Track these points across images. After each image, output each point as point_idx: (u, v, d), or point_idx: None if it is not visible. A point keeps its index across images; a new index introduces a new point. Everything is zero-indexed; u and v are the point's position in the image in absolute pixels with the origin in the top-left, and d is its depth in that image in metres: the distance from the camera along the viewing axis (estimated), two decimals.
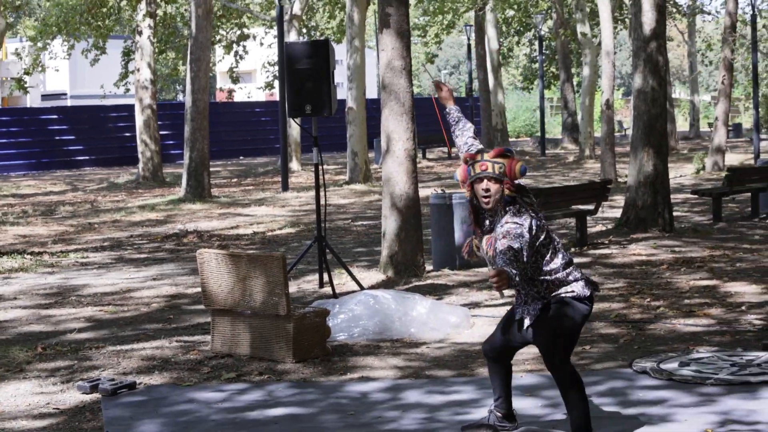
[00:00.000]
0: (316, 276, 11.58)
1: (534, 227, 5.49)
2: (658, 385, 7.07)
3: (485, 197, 5.57)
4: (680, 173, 27.57)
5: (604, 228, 15.79)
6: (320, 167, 11.33)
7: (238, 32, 38.01)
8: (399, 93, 11.76)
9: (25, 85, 32.75)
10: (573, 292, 5.64)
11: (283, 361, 8.03)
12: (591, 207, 14.59)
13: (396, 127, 11.77)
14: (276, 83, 38.07)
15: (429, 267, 12.39)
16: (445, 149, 41.01)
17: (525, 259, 5.33)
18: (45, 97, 58.23)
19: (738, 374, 7.21)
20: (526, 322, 5.71)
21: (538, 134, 44.47)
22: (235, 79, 39.24)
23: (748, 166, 24.23)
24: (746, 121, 60.10)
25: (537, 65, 46.35)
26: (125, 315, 10.27)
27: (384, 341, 8.71)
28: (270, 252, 12.29)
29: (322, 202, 11.26)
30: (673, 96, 52.21)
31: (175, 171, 31.57)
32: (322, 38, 27.93)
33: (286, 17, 30.15)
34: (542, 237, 5.56)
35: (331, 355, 8.25)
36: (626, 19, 40.11)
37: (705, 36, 45.76)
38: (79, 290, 11.78)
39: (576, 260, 10.94)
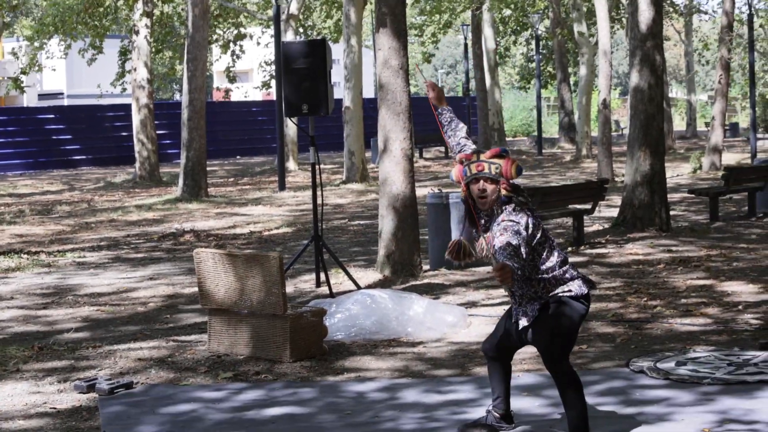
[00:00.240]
0: (313, 275, 11.57)
1: (530, 225, 5.51)
2: (655, 385, 7.07)
3: (482, 198, 5.58)
4: (677, 173, 27.58)
5: (601, 227, 15.80)
6: (317, 167, 11.33)
7: (235, 32, 38.00)
8: (396, 92, 11.75)
9: (22, 85, 32.71)
10: (571, 291, 5.64)
11: (280, 361, 8.03)
12: (588, 206, 14.59)
13: (393, 127, 11.77)
14: (273, 83, 38.09)
15: (426, 266, 12.40)
16: (443, 149, 41.03)
17: (524, 256, 5.34)
18: (42, 96, 58.15)
19: (735, 374, 7.22)
20: (524, 323, 5.72)
21: (535, 134, 44.48)
22: (232, 79, 39.24)
23: (745, 166, 24.24)
24: (743, 120, 60.18)
25: (534, 65, 46.36)
26: (122, 314, 10.26)
27: (381, 341, 8.70)
28: (267, 251, 12.29)
29: (319, 201, 11.26)
30: (670, 95, 52.24)
31: (172, 170, 31.55)
32: (318, 38, 27.93)
33: (283, 17, 30.13)
34: (538, 236, 5.57)
35: (328, 355, 8.24)
36: (623, 19, 40.17)
37: (702, 35, 45.80)
38: (76, 290, 11.77)
39: (573, 260, 10.95)
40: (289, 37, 30.54)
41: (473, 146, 5.87)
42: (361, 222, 18.01)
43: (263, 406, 6.90)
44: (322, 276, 11.10)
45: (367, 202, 21.63)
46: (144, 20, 28.41)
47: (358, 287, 10.77)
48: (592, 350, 8.16)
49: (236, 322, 8.31)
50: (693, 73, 51.38)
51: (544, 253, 5.61)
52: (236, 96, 50.92)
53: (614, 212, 16.44)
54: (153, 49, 31.22)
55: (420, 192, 13.80)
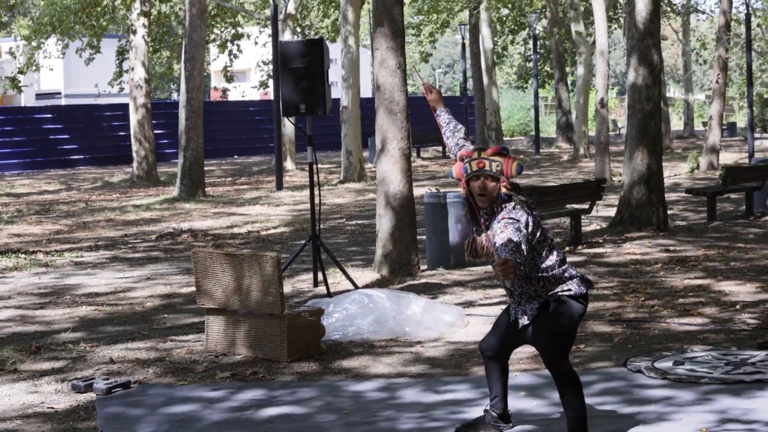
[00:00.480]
0: (311, 275, 11.57)
1: (530, 223, 5.52)
2: (653, 384, 7.07)
3: (482, 195, 5.59)
4: (674, 172, 27.59)
5: (598, 227, 15.80)
6: (315, 166, 11.33)
7: (233, 31, 37.99)
8: (393, 92, 11.75)
9: (20, 85, 32.68)
10: (570, 290, 5.65)
11: (278, 361, 8.03)
12: (585, 206, 14.59)
13: (390, 126, 11.77)
14: (270, 82, 38.07)
15: (423, 266, 12.39)
16: (440, 148, 41.02)
17: (525, 253, 5.34)
18: (39, 96, 58.08)
19: (732, 373, 7.22)
20: (523, 321, 5.71)
21: (533, 133, 44.49)
22: (230, 78, 39.22)
23: (743, 165, 24.26)
24: (740, 120, 60.19)
25: (531, 64, 46.36)
26: (120, 314, 10.26)
27: (379, 340, 8.70)
28: (264, 251, 12.28)
29: (317, 201, 11.25)
30: (668, 95, 52.23)
31: (170, 170, 31.54)
32: (316, 37, 27.91)
33: (281, 16, 30.13)
34: (538, 234, 5.58)
35: (325, 355, 8.24)
36: (620, 18, 40.15)
37: (699, 35, 45.79)
38: (74, 289, 11.77)
39: (570, 259, 10.95)
40: (286, 36, 30.53)
41: (471, 146, 5.88)
42: (359, 221, 18.01)
43: (261, 405, 6.90)
44: (320, 276, 11.10)
45: (365, 202, 21.63)
46: (141, 20, 28.40)
47: (356, 287, 10.77)
48: (590, 350, 8.16)
49: (234, 321, 8.30)
50: (690, 73, 51.40)
51: (544, 252, 5.62)
52: (234, 96, 50.89)
53: (612, 212, 16.45)
54: (150, 49, 31.21)
55: (417, 191, 13.81)
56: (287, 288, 10.90)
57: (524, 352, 7.59)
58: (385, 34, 11.79)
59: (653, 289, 10.73)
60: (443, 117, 6.12)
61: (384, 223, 11.87)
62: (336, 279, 11.47)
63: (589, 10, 37.17)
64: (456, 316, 9.18)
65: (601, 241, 14.36)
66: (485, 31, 40.18)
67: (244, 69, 61.75)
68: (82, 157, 38.28)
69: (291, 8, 31.46)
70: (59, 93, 59.04)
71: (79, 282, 12.31)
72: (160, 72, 42.99)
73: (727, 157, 32.26)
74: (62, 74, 58.21)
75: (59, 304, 10.89)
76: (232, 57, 38.46)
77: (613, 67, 77.15)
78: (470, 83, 43.27)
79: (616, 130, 52.35)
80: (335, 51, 40.16)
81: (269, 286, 7.99)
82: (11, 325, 9.85)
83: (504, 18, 45.80)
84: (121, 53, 34.81)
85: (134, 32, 28.55)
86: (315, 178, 11.30)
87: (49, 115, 38.80)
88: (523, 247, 5.34)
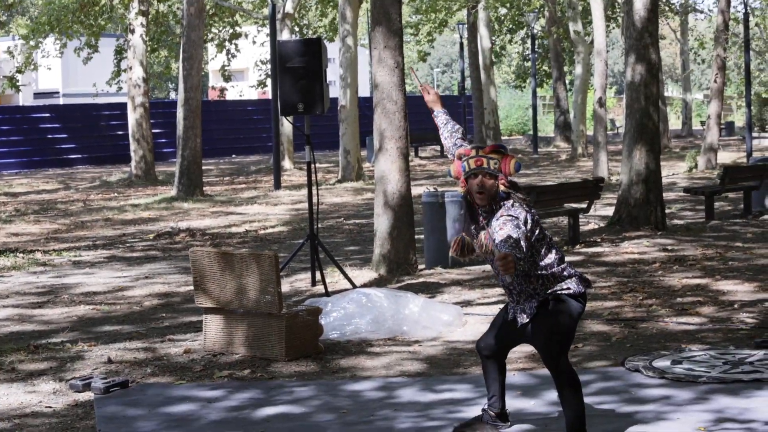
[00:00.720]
0: (309, 274, 11.56)
1: (529, 221, 5.52)
2: (650, 384, 7.07)
3: (480, 193, 5.59)
4: (673, 171, 27.60)
5: (596, 226, 15.80)
6: (313, 165, 11.32)
7: (231, 30, 37.98)
8: (392, 91, 11.75)
9: (18, 84, 32.67)
10: (569, 289, 5.65)
11: (276, 360, 8.02)
12: (584, 205, 14.59)
13: (389, 126, 11.77)
14: (268, 81, 38.05)
15: (421, 265, 12.39)
16: (439, 147, 41.00)
17: (524, 249, 5.34)
18: (37, 95, 58.08)
19: (730, 372, 7.22)
20: (522, 320, 5.71)
21: (531, 132, 44.48)
22: (228, 78, 39.20)
23: (741, 165, 24.26)
24: (739, 119, 60.20)
25: (529, 63, 46.36)
26: (118, 313, 10.25)
27: (377, 340, 8.70)
28: (262, 250, 12.28)
29: (315, 200, 11.25)
30: (666, 94, 52.24)
31: (168, 169, 31.53)
32: (314, 36, 27.92)
33: (279, 15, 30.12)
34: (537, 232, 5.58)
35: (323, 354, 8.24)
36: (618, 18, 40.17)
37: (697, 34, 45.82)
38: (72, 289, 11.76)
39: (568, 258, 10.96)
40: (284, 35, 30.53)
41: (469, 145, 5.89)
42: (357, 221, 18.01)
43: (259, 405, 6.90)
44: (318, 275, 11.09)
45: (363, 201, 21.63)
46: (140, 19, 28.39)
47: (354, 286, 10.76)
48: (588, 349, 8.16)
49: (232, 321, 8.30)
50: (688, 72, 51.39)
51: (543, 250, 5.62)
52: (232, 95, 50.88)
53: (610, 211, 16.45)
54: (149, 48, 31.18)
55: (416, 191, 13.80)
56: (285, 287, 10.90)
57: (521, 351, 7.60)
58: (384, 33, 11.79)
59: (651, 288, 10.73)
60: (441, 118, 6.14)
61: (382, 222, 11.87)
62: (334, 278, 11.46)
63: (587, 9, 37.20)
64: (454, 316, 9.18)
65: (599, 240, 14.36)
66: (483, 30, 40.18)
67: (242, 68, 61.76)
68: (80, 156, 38.27)
69: (289, 7, 31.46)
70: (57, 92, 59.04)
71: (77, 281, 12.30)
72: (158, 71, 42.94)
73: (725, 157, 32.27)
74: (60, 73, 58.19)
75: (57, 303, 10.89)
76: (230, 56, 38.45)
77: (611, 67, 77.19)
78: (468, 82, 43.28)
79: (614, 129, 52.37)
80: (333, 50, 40.24)
81: (267, 285, 7.99)
82: (9, 324, 9.84)
83: (502, 17, 45.80)
84: (119, 52, 34.80)
85: (132, 31, 28.53)
86: (313, 178, 11.30)
87: (47, 115, 38.79)
88: (522, 243, 5.34)
